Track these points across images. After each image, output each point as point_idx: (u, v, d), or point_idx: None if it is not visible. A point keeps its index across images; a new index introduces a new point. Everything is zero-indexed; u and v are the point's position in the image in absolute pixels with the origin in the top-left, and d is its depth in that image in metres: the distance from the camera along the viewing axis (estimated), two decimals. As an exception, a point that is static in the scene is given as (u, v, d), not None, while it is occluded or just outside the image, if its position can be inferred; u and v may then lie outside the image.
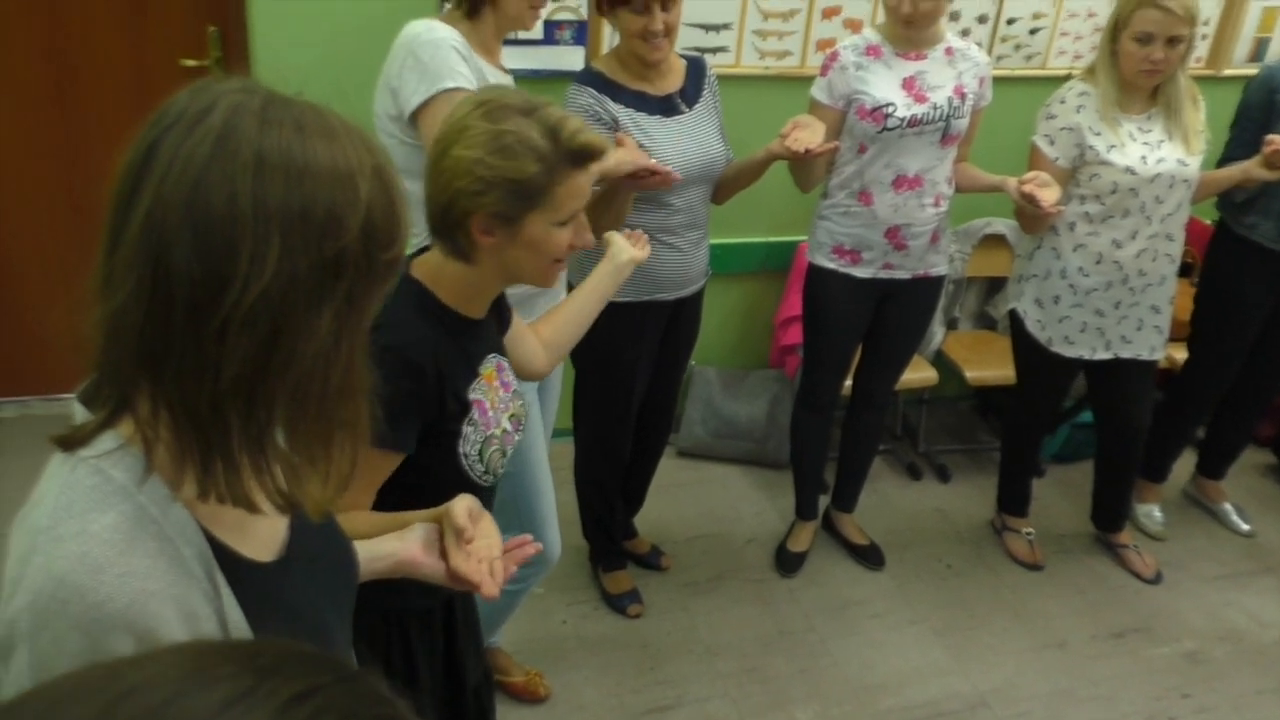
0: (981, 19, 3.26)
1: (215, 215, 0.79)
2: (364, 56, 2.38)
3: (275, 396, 0.85)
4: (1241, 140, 2.89)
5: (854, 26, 3.16)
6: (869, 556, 3.15)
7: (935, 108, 2.58)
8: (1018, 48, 3.35)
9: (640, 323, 2.53)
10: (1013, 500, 3.26)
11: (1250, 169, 2.75)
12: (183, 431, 0.85)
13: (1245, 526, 3.41)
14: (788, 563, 3.10)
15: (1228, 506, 3.45)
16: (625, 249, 1.85)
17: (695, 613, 2.91)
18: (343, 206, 0.83)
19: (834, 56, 2.62)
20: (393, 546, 1.31)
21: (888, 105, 2.55)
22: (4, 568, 0.89)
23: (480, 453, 1.52)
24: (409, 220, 0.91)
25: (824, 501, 3.22)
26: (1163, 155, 2.68)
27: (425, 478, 1.48)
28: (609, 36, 2.97)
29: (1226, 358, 3.17)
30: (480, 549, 1.30)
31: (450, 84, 1.98)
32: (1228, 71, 3.55)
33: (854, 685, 2.73)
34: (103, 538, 0.83)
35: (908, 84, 2.58)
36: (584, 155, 1.42)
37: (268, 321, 0.81)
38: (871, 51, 2.60)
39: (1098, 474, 3.21)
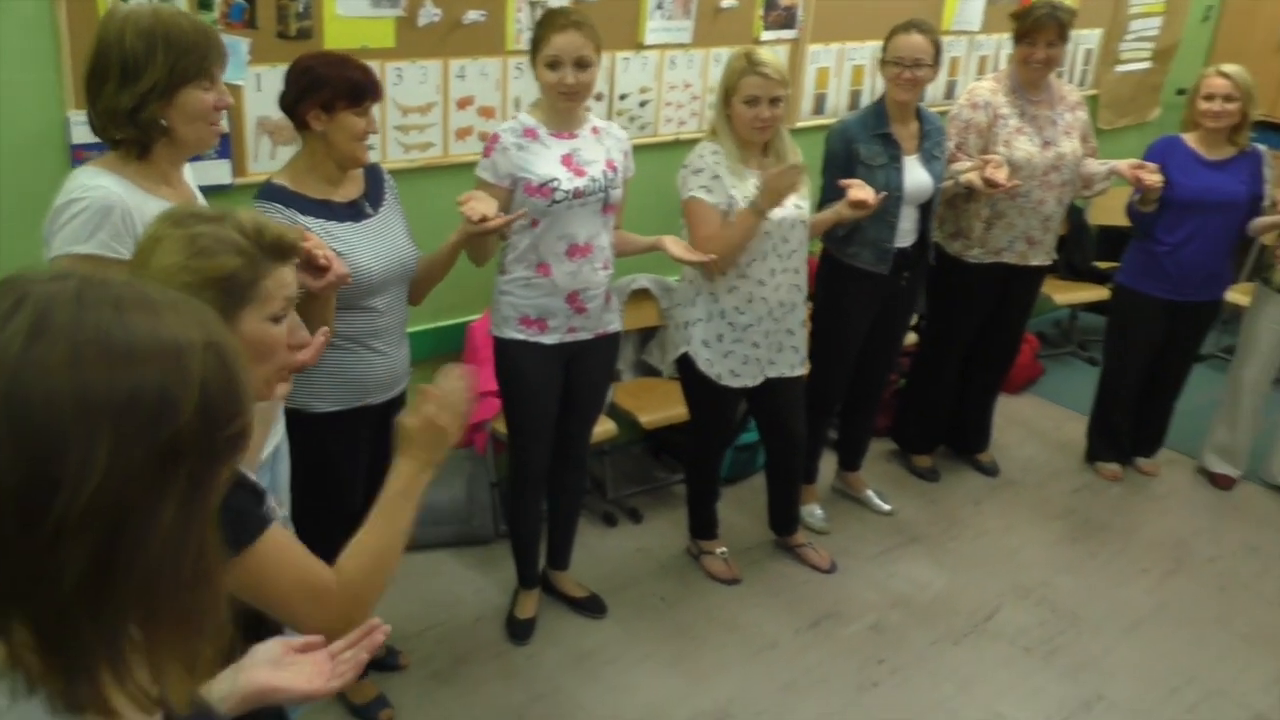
0: (598, 96, 3.56)
1: (35, 419, 0.74)
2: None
3: (124, 598, 0.80)
4: (831, 185, 3.39)
5: (487, 113, 3.34)
6: (591, 607, 3.30)
7: (594, 180, 2.82)
8: (632, 119, 3.69)
9: (354, 431, 2.52)
10: (703, 525, 3.56)
11: (841, 210, 3.23)
12: (41, 644, 0.78)
13: (886, 507, 3.95)
14: (520, 631, 3.17)
15: (869, 493, 3.98)
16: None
17: (445, 702, 2.90)
18: (174, 387, 0.79)
19: (495, 139, 2.77)
20: (227, 688, 1.24)
21: (552, 180, 2.75)
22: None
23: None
24: (251, 393, 0.88)
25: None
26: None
27: None
28: (253, 149, 2.93)
29: (839, 367, 3.67)
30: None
31: (81, 249, 1.91)
32: (799, 124, 4.13)
33: (611, 731, 2.87)
34: None
35: (566, 160, 2.79)
36: (282, 249, 1.45)
37: (105, 522, 0.76)
38: (529, 134, 2.78)
39: (770, 485, 3.59)
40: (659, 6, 3.62)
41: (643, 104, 3.72)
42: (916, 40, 3.29)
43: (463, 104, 3.30)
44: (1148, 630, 3.41)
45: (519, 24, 3.32)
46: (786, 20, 4.01)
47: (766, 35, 3.95)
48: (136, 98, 1.93)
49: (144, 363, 0.78)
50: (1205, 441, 4.33)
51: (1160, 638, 3.38)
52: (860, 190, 3.15)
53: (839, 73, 4.25)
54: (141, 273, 1.39)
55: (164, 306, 0.82)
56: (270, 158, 2.95)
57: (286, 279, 1.46)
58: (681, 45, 3.75)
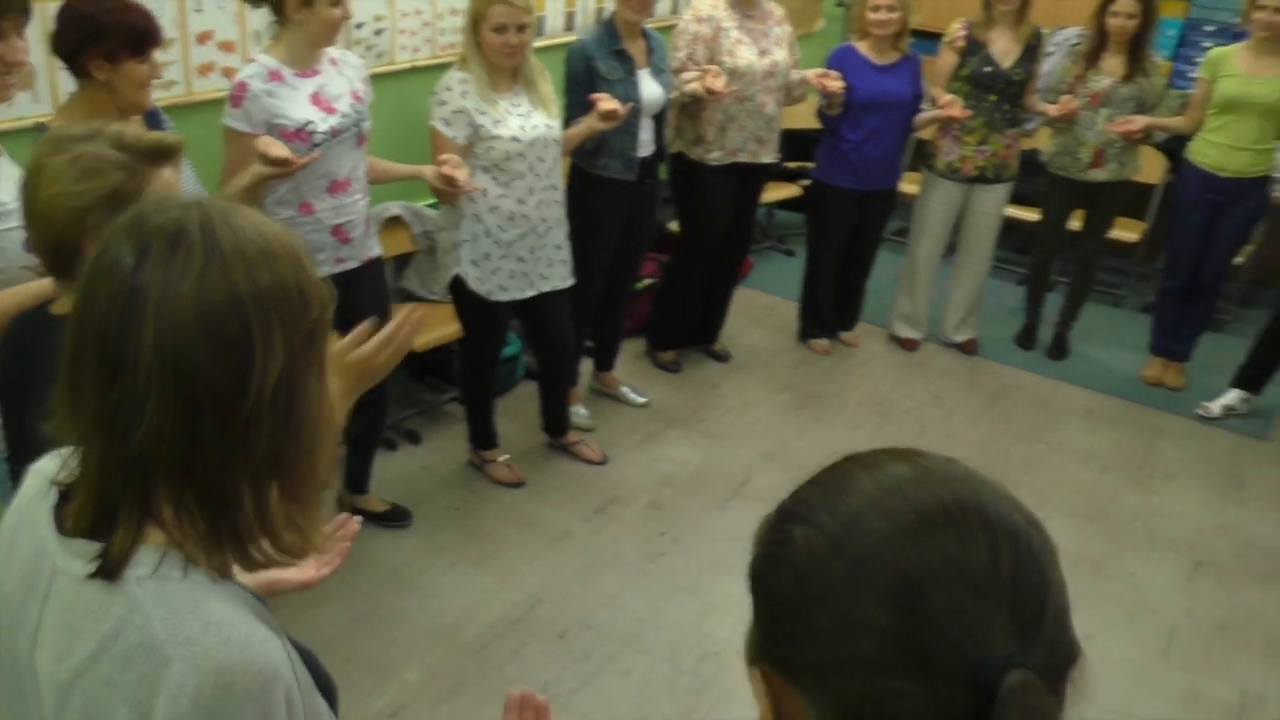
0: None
1: (224, 317, 0.89)
2: None
3: (297, 458, 0.96)
4: (576, 103, 3.61)
5: (228, 48, 3.27)
6: (397, 517, 3.45)
7: (345, 116, 2.88)
8: (369, 48, 3.72)
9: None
10: (484, 436, 3.76)
11: (592, 123, 3.47)
12: (214, 520, 0.93)
13: (641, 399, 4.31)
14: (321, 554, 3.26)
15: (625, 389, 4.32)
16: None
17: (273, 634, 2.96)
18: (303, 278, 0.95)
19: (243, 88, 2.77)
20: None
21: (308, 124, 2.80)
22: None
23: None
24: None
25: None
26: (535, 122, 3.28)
27: None
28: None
29: (593, 275, 3.94)
30: None
31: None
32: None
33: (438, 633, 3.05)
34: (228, 619, 0.92)
35: (315, 99, 2.84)
36: (159, 152, 1.50)
37: (286, 398, 0.92)
38: (274, 77, 2.79)
39: (542, 391, 3.84)
40: (383, -66, 3.64)
41: (378, 32, 3.75)
42: (643, -35, 3.55)
43: (202, 39, 3.21)
44: (872, 474, 4.00)
45: (250, -46, 3.25)
46: (502, -55, 4.12)
47: (485, -39, 4.06)
48: None
49: (283, 260, 0.93)
50: (891, 312, 5.02)
51: (882, 478, 3.97)
52: (609, 102, 3.39)
53: (551, -4, 4.44)
54: (32, 205, 1.46)
55: (268, 218, 0.97)
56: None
57: (170, 181, 1.50)
58: (409, -28, 3.80)
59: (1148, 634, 3.30)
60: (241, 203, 2.57)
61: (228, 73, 3.26)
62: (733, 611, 3.21)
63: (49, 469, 1.05)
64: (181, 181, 1.54)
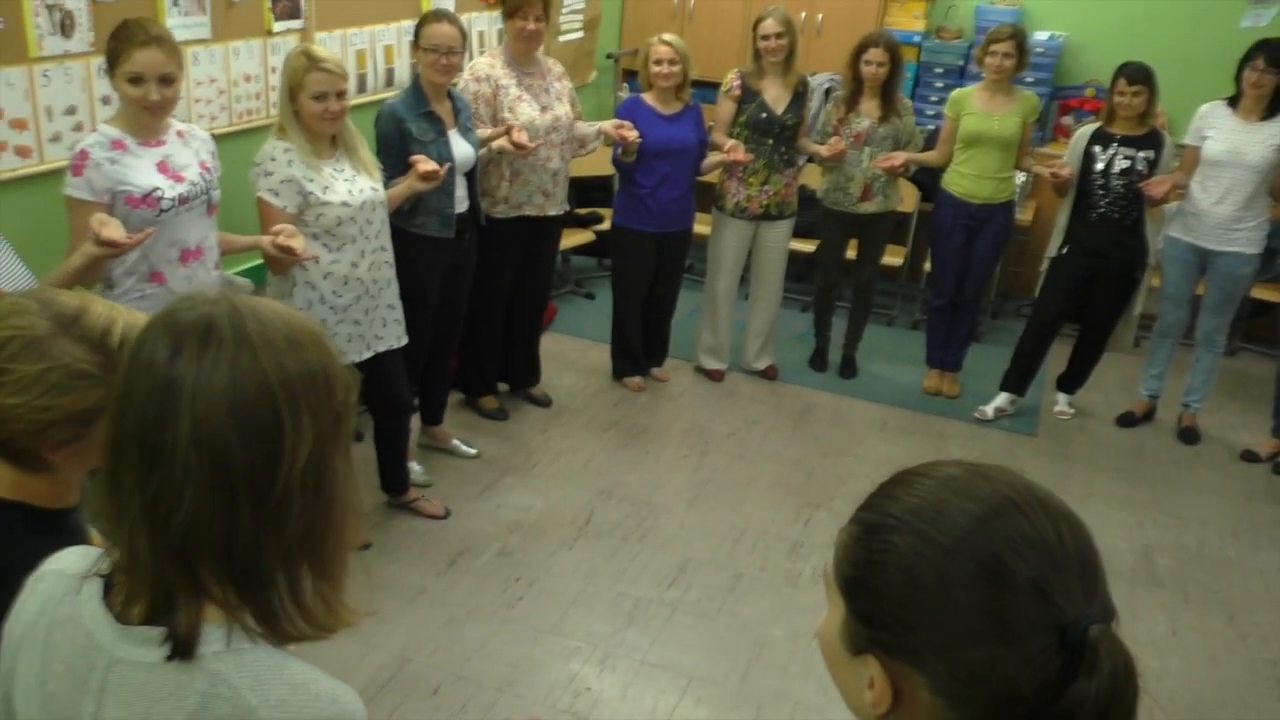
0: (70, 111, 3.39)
1: (255, 405, 0.93)
2: None
3: (327, 537, 1.01)
4: (389, 164, 3.63)
5: (20, 126, 3.12)
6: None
7: (194, 184, 2.83)
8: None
9: None
10: (323, 503, 3.69)
11: (413, 183, 3.52)
12: (253, 599, 0.98)
13: (472, 451, 4.34)
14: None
15: (455, 442, 4.34)
16: None
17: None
18: (330, 365, 1.00)
19: (84, 155, 2.68)
20: None
21: (155, 190, 2.73)
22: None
23: None
24: None
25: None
26: (361, 186, 3.31)
27: None
28: None
29: (420, 331, 3.96)
30: None
31: None
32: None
33: (309, 706, 2.97)
34: (311, 677, 0.97)
35: (161, 168, 2.78)
36: None
37: (315, 477, 0.97)
38: (117, 145, 2.73)
39: (380, 451, 3.81)
40: (175, 3, 3.57)
41: (176, 102, 3.65)
42: (448, 29, 3.64)
43: (-7, 117, 3.05)
44: (703, 500, 4.20)
45: (39, 29, 3.13)
46: (293, 11, 4.13)
47: (278, 26, 4.05)
48: None
49: (309, 348, 0.99)
50: (696, 346, 5.28)
51: (713, 503, 4.18)
52: (427, 163, 3.46)
53: (345, 58, 4.44)
54: None
55: (286, 306, 1.02)
56: None
57: None
58: (202, 41, 3.73)
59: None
60: (74, 284, 2.50)
61: (21, 151, 3.11)
62: (599, 646, 3.31)
63: (70, 568, 1.05)
64: None
